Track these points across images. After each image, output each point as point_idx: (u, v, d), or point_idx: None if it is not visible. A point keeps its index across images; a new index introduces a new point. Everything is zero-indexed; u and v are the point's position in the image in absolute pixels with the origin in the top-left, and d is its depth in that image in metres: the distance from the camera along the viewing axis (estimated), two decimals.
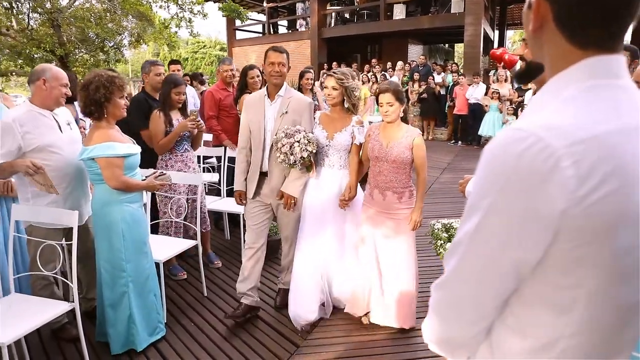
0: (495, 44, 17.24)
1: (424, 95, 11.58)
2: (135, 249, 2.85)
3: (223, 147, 4.78)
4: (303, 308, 3.12)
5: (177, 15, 13.69)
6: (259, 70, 4.62)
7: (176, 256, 3.87)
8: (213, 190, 5.19)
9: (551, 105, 0.76)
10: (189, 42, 39.00)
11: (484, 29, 12.97)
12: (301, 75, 5.40)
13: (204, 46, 40.47)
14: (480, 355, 0.85)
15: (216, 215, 5.20)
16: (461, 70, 12.25)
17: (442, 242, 3.41)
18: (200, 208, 3.83)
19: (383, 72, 12.55)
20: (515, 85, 9.90)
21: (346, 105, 3.16)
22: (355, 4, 16.60)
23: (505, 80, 10.15)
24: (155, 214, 3.88)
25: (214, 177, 5.23)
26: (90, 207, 2.93)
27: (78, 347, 2.83)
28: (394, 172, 2.92)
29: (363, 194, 3.21)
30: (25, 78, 12.30)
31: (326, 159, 3.17)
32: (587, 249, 0.69)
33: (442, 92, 11.86)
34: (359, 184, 3.22)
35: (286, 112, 3.07)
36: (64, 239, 2.92)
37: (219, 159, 5.03)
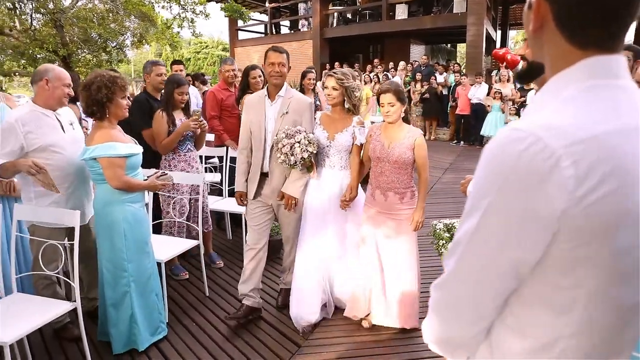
0: (498, 44, 17.22)
1: (426, 95, 11.58)
2: (137, 249, 2.85)
3: (225, 147, 4.79)
4: (304, 309, 3.12)
5: (180, 16, 13.74)
6: (261, 71, 4.62)
7: (178, 256, 3.88)
8: (215, 190, 5.20)
9: (551, 105, 0.76)
10: (191, 43, 39.08)
11: (487, 29, 12.96)
12: (303, 76, 5.41)
13: (207, 46, 40.52)
14: (480, 356, 0.85)
15: (218, 215, 5.21)
16: (463, 70, 12.26)
17: (443, 242, 3.41)
18: (203, 208, 3.84)
19: (385, 72, 12.54)
20: (518, 85, 9.88)
21: (347, 106, 3.16)
22: (358, 4, 16.61)
23: (508, 80, 10.14)
24: (157, 213, 3.88)
25: (216, 177, 5.24)
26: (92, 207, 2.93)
27: (80, 346, 2.84)
28: (395, 173, 2.92)
29: (364, 194, 3.20)
30: (28, 78, 12.36)
31: (327, 159, 3.16)
32: (586, 249, 0.69)
33: (445, 92, 11.84)
34: (359, 185, 3.21)
35: (287, 113, 3.07)
36: (66, 238, 2.92)
37: (220, 159, 5.04)
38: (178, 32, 14.58)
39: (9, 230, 2.84)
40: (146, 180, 2.95)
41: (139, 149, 2.90)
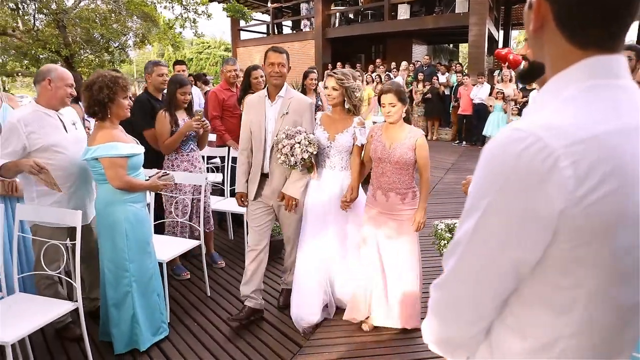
0: (500, 44, 17.19)
1: (428, 95, 11.57)
2: (139, 249, 2.85)
3: (227, 147, 4.80)
4: (305, 310, 3.12)
5: (182, 16, 13.75)
6: (263, 71, 4.62)
7: (180, 256, 3.89)
8: (217, 190, 5.20)
9: (551, 105, 0.76)
10: (193, 43, 39.12)
11: (489, 29, 12.94)
12: (305, 76, 5.41)
13: (209, 47, 40.56)
14: (480, 356, 0.85)
15: (220, 216, 5.21)
16: (465, 71, 12.23)
17: (445, 242, 3.40)
18: (204, 208, 3.84)
19: (387, 73, 12.55)
20: (520, 86, 9.86)
21: (347, 106, 3.16)
22: (360, 4, 16.60)
23: (510, 80, 10.12)
24: (159, 213, 3.89)
25: (217, 177, 5.24)
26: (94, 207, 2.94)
27: (82, 346, 2.84)
28: (397, 173, 2.91)
29: (364, 195, 3.20)
30: (31, 78, 12.38)
31: (327, 160, 3.16)
32: (586, 249, 0.69)
33: (447, 92, 11.83)
34: (360, 185, 3.21)
35: (287, 113, 3.06)
36: (68, 238, 2.93)
37: (222, 159, 5.05)
38: (180, 33, 14.60)
39: (11, 230, 2.84)
40: (148, 180, 2.95)
41: (140, 149, 2.90)
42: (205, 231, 3.98)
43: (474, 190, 0.77)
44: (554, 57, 0.79)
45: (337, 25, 16.31)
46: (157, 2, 13.55)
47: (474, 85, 10.82)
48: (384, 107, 2.89)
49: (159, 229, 3.81)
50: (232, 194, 4.63)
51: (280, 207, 3.18)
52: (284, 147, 2.93)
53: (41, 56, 12.91)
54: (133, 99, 3.72)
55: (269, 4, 18.15)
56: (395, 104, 2.84)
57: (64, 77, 2.87)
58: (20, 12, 13.05)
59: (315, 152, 2.98)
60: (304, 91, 5.30)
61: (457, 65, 12.58)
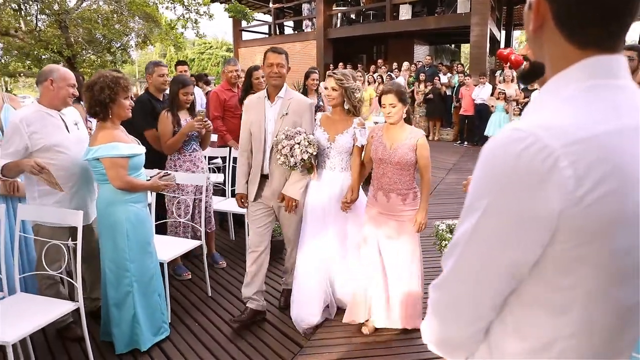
0: (502, 45, 17.17)
1: (430, 95, 11.56)
2: (140, 249, 2.86)
3: (228, 148, 4.80)
4: (305, 310, 3.11)
5: (184, 16, 13.75)
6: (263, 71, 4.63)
7: (181, 256, 3.89)
8: (218, 190, 5.20)
9: (551, 104, 0.76)
10: (195, 43, 39.16)
11: (490, 29, 12.92)
12: (306, 76, 5.40)
13: (211, 47, 40.62)
14: (479, 356, 0.85)
15: (221, 216, 5.21)
16: (467, 71, 12.21)
17: (446, 243, 3.40)
18: (206, 208, 3.84)
19: (389, 73, 12.54)
20: (522, 86, 9.85)
21: (346, 107, 3.15)
22: (361, 4, 16.60)
23: (512, 81, 10.10)
24: (160, 213, 3.89)
25: (218, 177, 5.25)
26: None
27: (83, 346, 2.84)
28: (398, 174, 2.90)
29: (365, 196, 3.19)
30: (33, 79, 12.40)
31: (327, 161, 3.15)
32: (586, 249, 0.69)
33: (448, 92, 11.82)
34: (360, 186, 3.20)
35: (286, 114, 3.06)
36: (70, 238, 2.94)
37: (223, 159, 5.05)
38: (182, 33, 14.60)
39: (13, 230, 2.85)
40: (149, 180, 2.96)
41: (141, 150, 2.91)
42: (207, 231, 3.98)
43: (473, 190, 0.77)
44: (554, 57, 0.79)
45: (338, 25, 16.30)
46: (159, 2, 13.56)
47: (475, 85, 10.81)
48: (384, 107, 2.89)
49: (161, 229, 3.82)
50: (234, 194, 4.63)
51: (280, 208, 3.18)
52: (283, 147, 2.93)
53: (43, 57, 12.92)
54: (134, 99, 3.73)
55: (271, 5, 18.15)
56: (395, 104, 2.83)
57: (66, 77, 2.88)
58: (23, 13, 13.07)
59: (315, 153, 2.98)
60: (305, 92, 5.30)
61: (459, 65, 12.56)
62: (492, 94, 10.36)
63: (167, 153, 3.83)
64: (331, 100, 3.09)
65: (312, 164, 3.08)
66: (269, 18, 19.38)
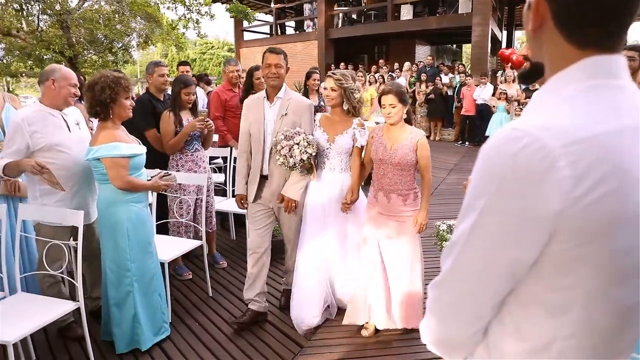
0: (504, 45, 17.15)
1: (431, 96, 11.56)
2: (141, 249, 2.86)
3: (229, 148, 4.80)
4: (305, 311, 3.11)
5: (185, 17, 13.78)
6: None
7: (181, 256, 3.89)
8: (219, 190, 5.20)
9: (550, 104, 0.76)
10: (197, 44, 39.21)
11: (492, 29, 12.91)
12: (307, 76, 5.40)
13: (212, 47, 40.66)
14: (478, 356, 0.85)
15: (222, 216, 5.21)
16: (468, 71, 12.21)
17: (447, 243, 3.39)
18: (207, 208, 3.84)
19: (390, 73, 12.54)
20: (523, 86, 9.83)
21: (346, 107, 3.14)
22: (363, 4, 16.60)
23: (513, 81, 10.09)
24: (161, 213, 3.90)
25: (219, 177, 5.25)
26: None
27: (83, 346, 2.84)
28: (398, 175, 2.89)
29: (364, 196, 3.18)
30: (35, 79, 12.46)
31: (327, 161, 3.14)
32: (585, 249, 0.69)
33: (450, 92, 11.82)
34: (360, 187, 3.19)
35: (286, 114, 3.05)
36: (71, 238, 2.94)
37: (224, 159, 5.05)
38: (183, 33, 14.63)
39: (14, 230, 2.85)
40: (150, 180, 2.96)
41: (142, 150, 2.91)
42: (208, 231, 3.98)
43: (471, 190, 0.77)
44: (553, 57, 0.79)
45: (340, 25, 16.30)
46: (161, 2, 13.59)
47: (477, 85, 10.81)
48: (384, 108, 2.88)
49: (162, 229, 3.82)
50: (234, 194, 4.64)
51: (280, 208, 3.17)
52: (282, 148, 2.92)
53: (45, 57, 12.95)
54: (135, 99, 3.74)
55: (272, 5, 18.17)
56: (395, 104, 2.82)
57: (68, 77, 2.89)
58: (25, 13, 13.11)
59: (314, 153, 2.97)
60: (306, 92, 5.30)
61: (460, 65, 12.56)
62: (493, 94, 10.35)
63: (169, 153, 3.84)
64: (330, 101, 3.08)
65: (312, 165, 3.07)
66: (270, 18, 19.39)
